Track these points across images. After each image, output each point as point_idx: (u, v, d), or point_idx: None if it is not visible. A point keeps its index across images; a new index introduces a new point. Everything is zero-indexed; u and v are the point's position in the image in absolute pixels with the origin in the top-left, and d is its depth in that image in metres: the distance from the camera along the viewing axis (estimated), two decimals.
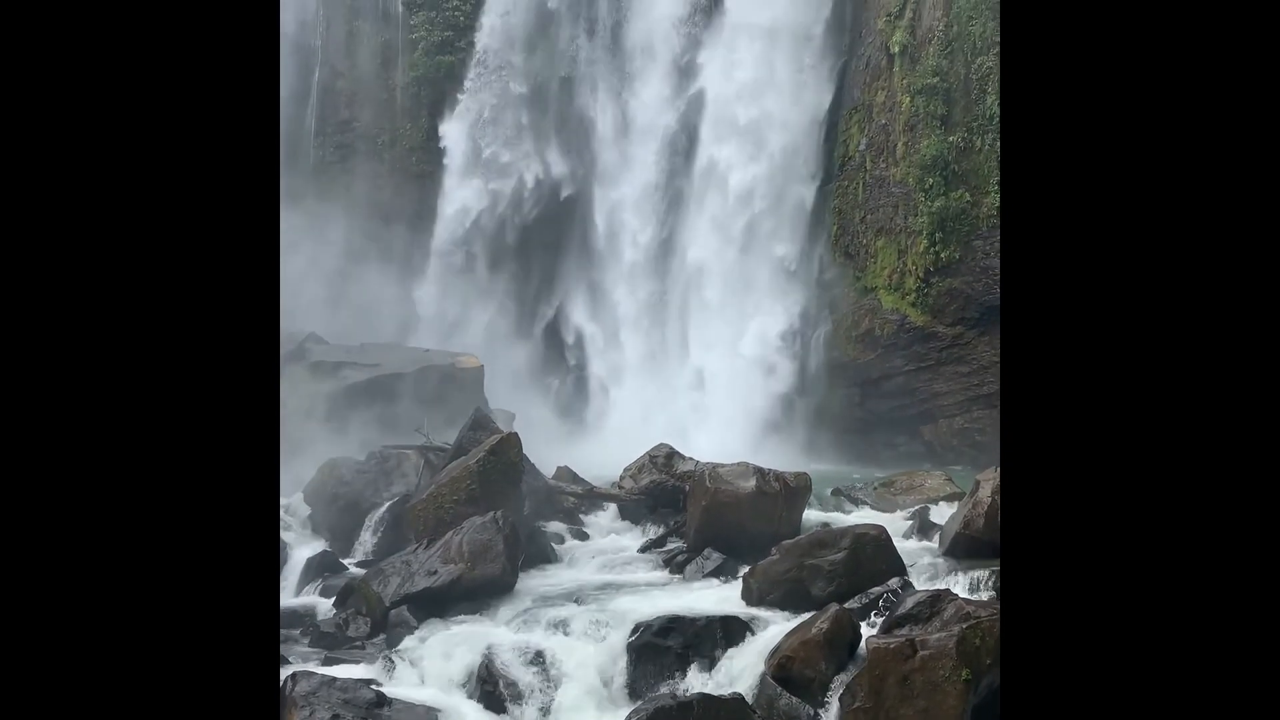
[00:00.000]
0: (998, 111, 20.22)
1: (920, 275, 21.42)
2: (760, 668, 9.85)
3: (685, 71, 24.66)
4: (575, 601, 11.57)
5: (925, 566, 11.76)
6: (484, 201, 25.62)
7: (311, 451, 18.44)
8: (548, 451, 16.76)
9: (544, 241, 26.06)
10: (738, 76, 23.84)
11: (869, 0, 23.00)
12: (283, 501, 16.37)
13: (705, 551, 12.62)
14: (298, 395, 20.61)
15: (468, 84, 26.16)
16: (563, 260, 26.11)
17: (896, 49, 21.86)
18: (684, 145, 24.68)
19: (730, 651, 10.27)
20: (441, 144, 26.18)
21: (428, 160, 26.87)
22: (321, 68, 27.39)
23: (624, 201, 25.13)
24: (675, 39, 24.70)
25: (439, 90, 26.61)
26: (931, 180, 21.03)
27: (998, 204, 20.11)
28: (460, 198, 25.78)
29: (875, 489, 15.58)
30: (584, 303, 25.84)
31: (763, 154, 23.72)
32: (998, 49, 20.16)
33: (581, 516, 14.79)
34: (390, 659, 10.70)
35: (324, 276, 23.99)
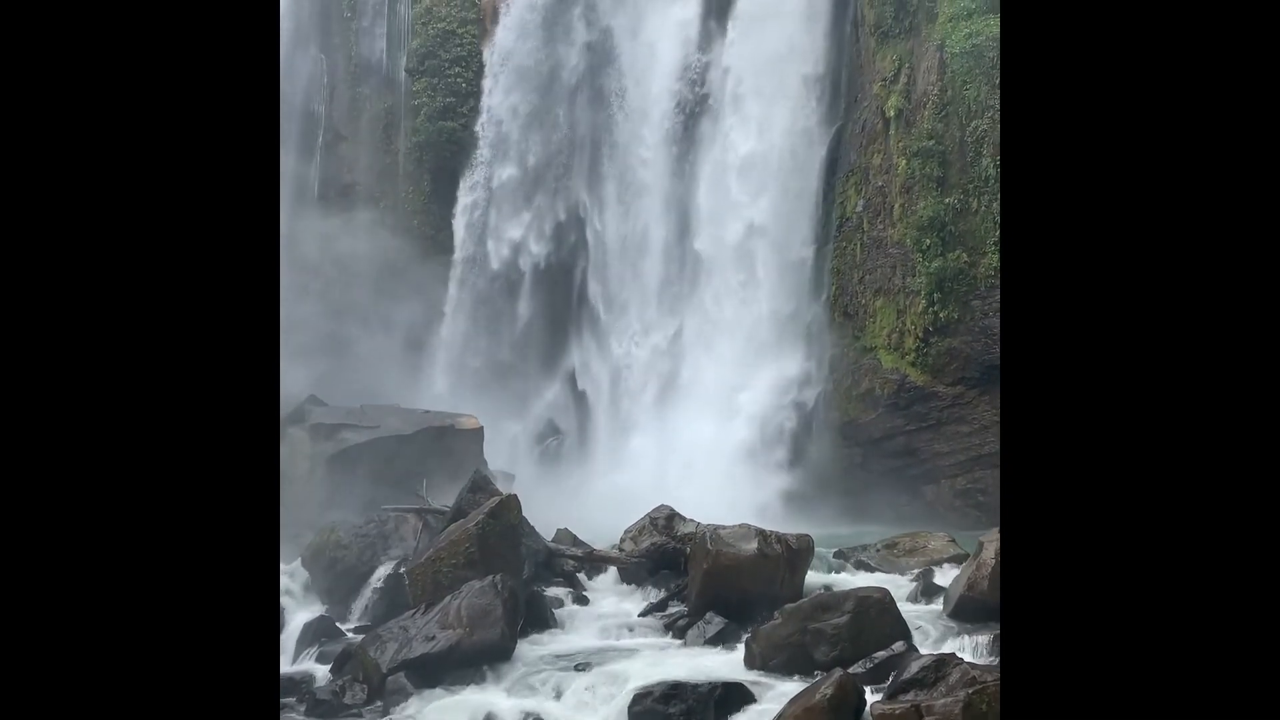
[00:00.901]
0: (993, 173, 20.45)
1: (919, 335, 21.48)
2: None
3: (686, 129, 25.04)
4: (575, 667, 11.41)
5: (930, 630, 11.62)
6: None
7: (310, 514, 18.30)
8: (546, 511, 16.65)
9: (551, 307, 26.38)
10: (736, 140, 24.19)
11: (864, 66, 23.40)
12: (281, 565, 16.24)
13: (707, 615, 12.48)
14: (296, 457, 20.55)
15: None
16: (565, 322, 26.28)
17: (892, 113, 22.18)
18: (682, 204, 24.94)
19: (733, 718, 10.09)
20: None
21: (429, 224, 27.15)
22: (325, 133, 27.80)
23: (626, 264, 25.37)
24: (676, 93, 25.15)
25: (440, 155, 26.95)
26: (929, 241, 21.19)
27: (995, 264, 20.24)
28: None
29: (878, 550, 15.43)
30: (584, 360, 25.91)
31: (761, 214, 23.97)
32: (991, 113, 20.45)
33: (582, 579, 14.64)
34: None
35: (325, 339, 24.07)
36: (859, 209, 22.89)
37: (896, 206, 22.02)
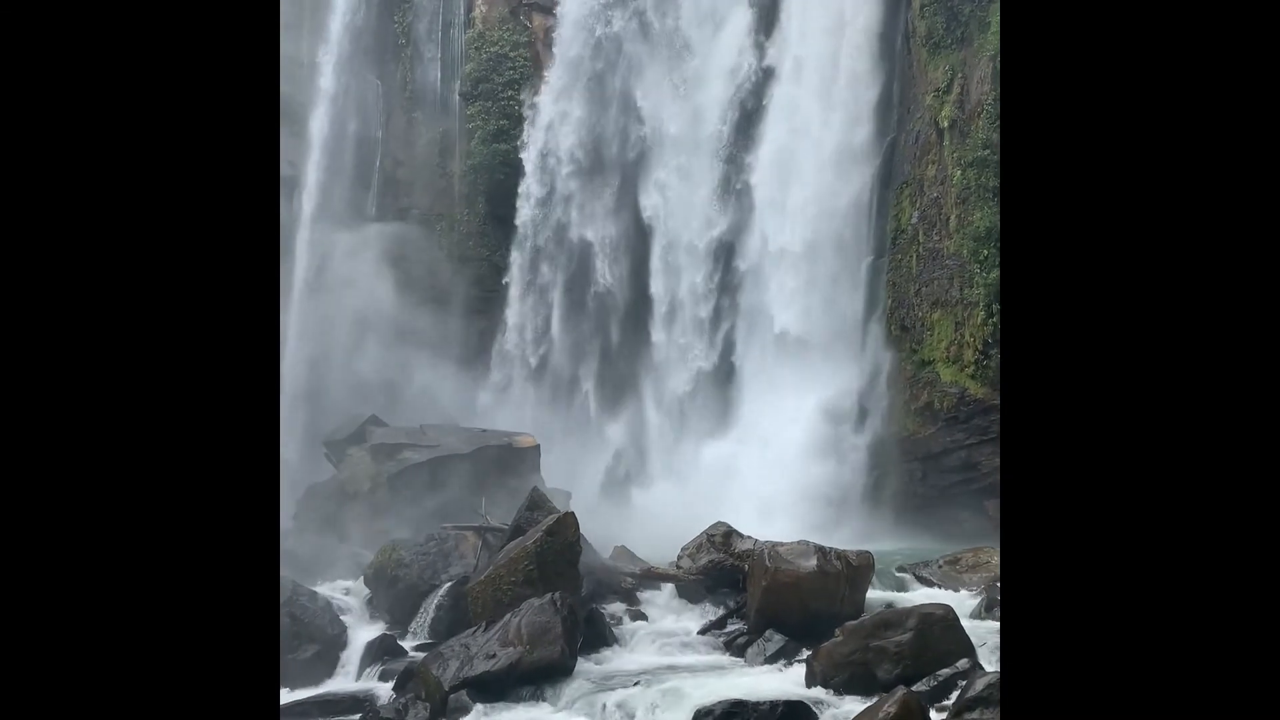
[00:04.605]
0: None
1: (979, 347, 21.18)
2: None
3: (738, 149, 25.07)
4: (635, 685, 11.40)
5: (995, 647, 11.40)
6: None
7: (372, 533, 18.52)
8: (604, 528, 16.69)
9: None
10: (792, 151, 24.18)
11: (916, 78, 23.24)
12: (344, 584, 16.50)
13: (766, 633, 12.40)
14: (358, 477, 20.87)
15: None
16: (623, 338, 26.40)
17: (945, 123, 21.98)
18: (738, 216, 24.97)
19: None
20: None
21: (484, 245, 27.52)
22: (383, 157, 28.28)
23: (682, 279, 25.44)
24: (727, 110, 25.22)
25: (495, 177, 27.30)
26: (986, 252, 20.91)
27: None
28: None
29: (940, 566, 15.22)
30: (642, 377, 25.95)
31: (816, 230, 23.88)
32: None
33: (639, 597, 14.63)
34: None
35: (384, 360, 24.42)
36: (914, 221, 22.69)
37: (952, 218, 21.78)
